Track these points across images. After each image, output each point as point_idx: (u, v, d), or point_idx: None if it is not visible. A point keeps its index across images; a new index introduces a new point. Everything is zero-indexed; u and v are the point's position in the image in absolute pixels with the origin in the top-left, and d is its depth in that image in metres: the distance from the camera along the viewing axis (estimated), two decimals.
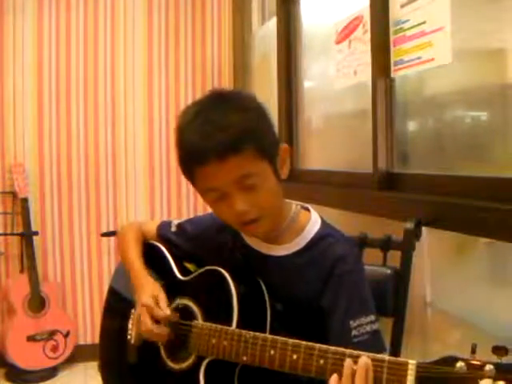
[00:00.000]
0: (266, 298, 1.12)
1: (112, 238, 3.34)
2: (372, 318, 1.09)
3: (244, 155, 1.04)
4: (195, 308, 1.18)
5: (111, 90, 3.38)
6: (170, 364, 1.19)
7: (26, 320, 3.05)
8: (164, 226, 1.39)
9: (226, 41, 3.51)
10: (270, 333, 1.06)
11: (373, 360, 0.89)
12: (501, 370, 0.76)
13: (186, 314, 1.19)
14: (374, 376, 0.88)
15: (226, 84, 3.46)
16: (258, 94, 1.19)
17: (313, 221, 1.18)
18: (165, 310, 1.17)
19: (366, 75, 1.91)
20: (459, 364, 0.79)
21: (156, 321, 1.16)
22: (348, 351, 0.92)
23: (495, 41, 1.46)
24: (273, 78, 2.81)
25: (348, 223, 1.85)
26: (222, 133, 1.03)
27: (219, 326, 1.10)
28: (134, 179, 3.43)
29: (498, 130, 1.47)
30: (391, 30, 1.79)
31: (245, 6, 3.44)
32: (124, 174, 3.41)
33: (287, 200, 1.21)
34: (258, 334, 1.04)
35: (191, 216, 1.45)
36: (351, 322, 1.07)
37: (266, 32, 3.12)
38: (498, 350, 0.78)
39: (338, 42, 2.14)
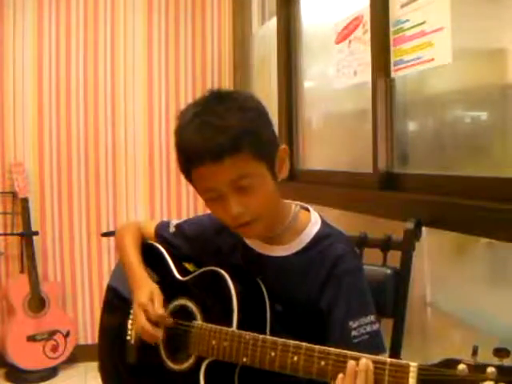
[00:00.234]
0: (266, 299, 1.12)
1: (112, 238, 3.34)
2: (372, 318, 1.08)
3: (240, 157, 1.04)
4: (194, 308, 1.18)
5: (111, 90, 3.38)
6: (170, 364, 1.19)
7: (25, 320, 3.05)
8: (162, 226, 1.39)
9: (226, 41, 3.51)
10: (270, 334, 1.06)
11: (374, 362, 0.89)
12: (502, 373, 0.75)
13: (185, 314, 1.18)
14: (375, 378, 0.88)
15: (226, 84, 3.46)
16: (258, 94, 1.19)
17: (313, 221, 1.18)
18: (159, 311, 1.16)
19: (366, 75, 1.91)
20: (461, 366, 0.79)
21: (152, 322, 1.16)
22: (349, 353, 0.92)
23: (495, 41, 1.46)
24: (273, 78, 2.81)
25: (348, 223, 1.85)
26: (219, 134, 1.03)
27: (219, 327, 1.09)
28: (133, 179, 3.43)
29: (498, 130, 1.47)
30: (391, 29, 1.78)
31: (245, 5, 3.43)
32: (124, 174, 3.41)
33: (287, 200, 1.21)
34: (257, 335, 1.04)
35: (191, 216, 1.45)
36: (351, 323, 1.06)
37: (265, 32, 3.12)
38: (500, 352, 0.78)
39: (338, 42, 2.14)
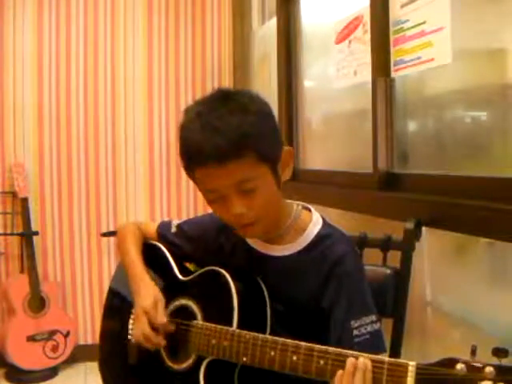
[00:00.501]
0: (267, 299, 1.12)
1: (112, 238, 3.34)
2: (373, 318, 1.09)
3: (243, 160, 1.03)
4: (195, 308, 1.18)
5: (111, 90, 3.38)
6: (170, 364, 1.19)
7: (25, 320, 3.05)
8: (164, 226, 1.39)
9: (226, 41, 3.51)
10: (271, 333, 1.06)
11: (372, 361, 0.89)
12: (501, 372, 0.76)
13: (185, 314, 1.19)
14: (373, 377, 0.88)
15: (226, 84, 3.46)
16: (260, 94, 1.18)
17: (314, 221, 1.18)
18: (162, 319, 1.17)
19: (366, 75, 1.91)
20: (459, 366, 0.79)
21: (153, 328, 1.17)
22: (348, 352, 0.93)
23: (495, 41, 1.46)
24: (273, 78, 2.81)
25: (348, 223, 1.85)
26: (222, 137, 1.02)
27: (219, 327, 1.10)
28: (134, 179, 3.43)
29: (498, 130, 1.47)
30: (391, 29, 1.78)
31: (245, 5, 3.43)
32: (124, 173, 3.41)
33: (288, 200, 1.21)
34: (258, 334, 1.04)
35: (191, 216, 1.45)
36: (352, 322, 1.07)
37: (265, 32, 3.12)
38: (499, 351, 0.78)
39: (338, 42, 2.14)
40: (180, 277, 1.27)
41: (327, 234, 1.16)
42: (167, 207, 3.46)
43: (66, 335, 3.16)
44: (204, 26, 3.49)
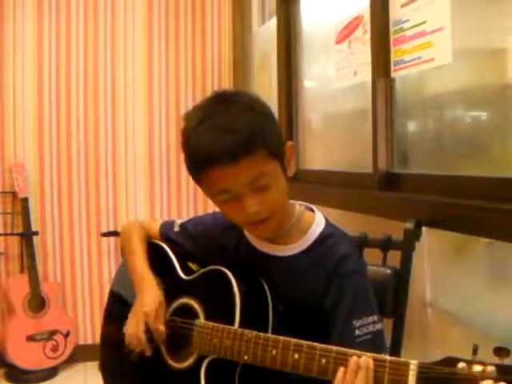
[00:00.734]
0: (269, 299, 1.13)
1: (112, 238, 3.34)
2: (375, 318, 1.09)
3: (255, 157, 1.05)
4: (197, 307, 1.18)
5: (111, 90, 3.38)
6: (171, 363, 1.20)
7: (25, 320, 3.05)
8: (167, 225, 1.39)
9: (226, 41, 3.51)
10: (272, 333, 1.07)
11: (374, 360, 0.89)
12: (502, 371, 0.76)
13: (187, 312, 1.19)
14: (375, 376, 0.88)
15: (226, 84, 3.46)
16: (258, 94, 1.19)
17: (317, 221, 1.19)
18: (160, 327, 1.18)
19: (366, 75, 1.91)
20: (461, 365, 0.79)
21: (149, 333, 1.18)
22: (350, 351, 0.93)
23: (495, 41, 1.46)
24: (273, 78, 2.81)
25: (348, 223, 1.85)
26: (233, 135, 1.03)
27: (221, 326, 1.10)
28: (134, 179, 3.43)
29: (498, 130, 1.47)
30: (391, 29, 1.78)
31: (245, 5, 3.44)
32: (124, 174, 3.41)
33: (291, 201, 1.22)
34: (259, 333, 1.04)
35: (191, 216, 1.45)
36: (354, 322, 1.07)
37: (266, 32, 3.12)
38: (500, 351, 0.78)
39: (338, 42, 2.14)
40: (183, 276, 1.28)
41: (330, 234, 1.17)
42: (167, 207, 3.46)
43: (66, 335, 3.16)
44: (204, 26, 3.49)
